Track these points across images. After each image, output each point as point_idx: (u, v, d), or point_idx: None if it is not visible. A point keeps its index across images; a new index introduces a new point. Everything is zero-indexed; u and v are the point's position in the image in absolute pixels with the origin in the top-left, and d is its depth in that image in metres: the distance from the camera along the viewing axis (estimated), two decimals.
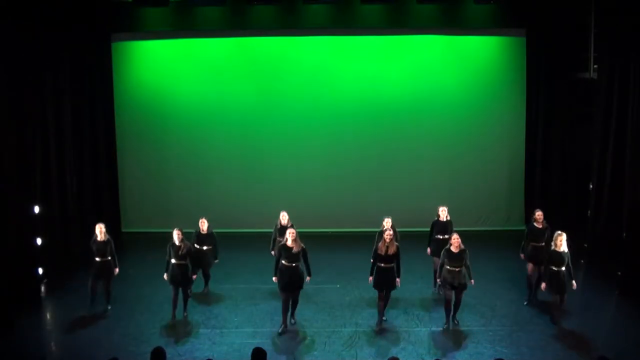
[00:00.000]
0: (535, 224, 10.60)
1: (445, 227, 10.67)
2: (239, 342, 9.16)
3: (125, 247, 13.88)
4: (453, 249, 9.48)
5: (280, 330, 9.61)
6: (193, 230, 10.98)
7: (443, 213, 10.82)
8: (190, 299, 10.40)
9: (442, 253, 9.68)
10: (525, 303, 10.62)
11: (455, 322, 9.82)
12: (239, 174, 15.20)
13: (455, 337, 9.36)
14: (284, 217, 11.02)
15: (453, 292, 9.56)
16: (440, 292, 10.55)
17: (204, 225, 10.95)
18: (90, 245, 10.25)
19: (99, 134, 14.50)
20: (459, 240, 9.48)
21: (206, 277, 11.25)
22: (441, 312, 10.12)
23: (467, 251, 9.54)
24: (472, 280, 9.68)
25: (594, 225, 13.09)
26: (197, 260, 10.44)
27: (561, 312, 9.73)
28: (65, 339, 9.48)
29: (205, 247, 10.91)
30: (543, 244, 10.33)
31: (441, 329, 9.63)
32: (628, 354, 8.73)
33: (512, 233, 14.06)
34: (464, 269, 9.49)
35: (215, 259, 11.16)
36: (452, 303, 9.64)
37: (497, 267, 11.98)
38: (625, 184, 11.62)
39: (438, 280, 9.81)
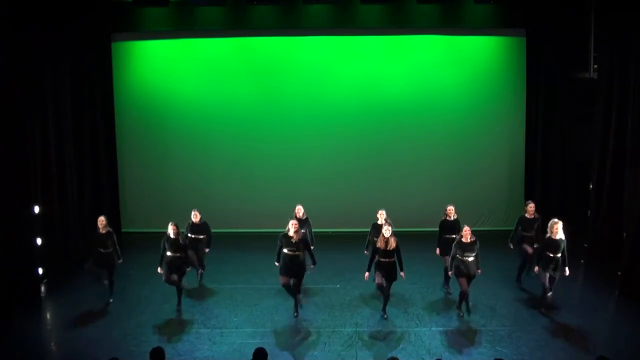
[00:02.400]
0: (526, 215, 10.88)
1: (453, 227, 10.67)
2: (239, 342, 9.16)
3: (124, 247, 13.83)
4: (464, 239, 9.57)
5: (295, 306, 10.06)
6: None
7: (450, 212, 10.83)
8: (190, 298, 10.39)
9: (453, 245, 9.77)
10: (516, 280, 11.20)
11: (468, 315, 9.84)
12: (239, 173, 15.20)
13: (455, 337, 9.35)
14: (299, 211, 11.08)
15: (466, 280, 9.68)
16: (450, 292, 10.76)
17: (196, 217, 11.17)
18: (93, 238, 10.41)
19: (99, 134, 14.52)
20: (470, 231, 9.58)
21: (201, 266, 11.34)
22: (441, 313, 10.18)
23: (477, 242, 9.65)
24: (479, 270, 9.77)
25: (594, 225, 13.10)
26: (193, 248, 10.69)
27: (549, 300, 9.82)
28: (65, 338, 9.47)
29: (201, 236, 11.13)
30: (533, 233, 10.74)
31: (441, 329, 9.62)
32: (628, 354, 8.73)
33: None
34: (474, 260, 9.58)
35: (207, 247, 11.32)
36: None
37: (497, 267, 11.96)
38: (625, 184, 11.63)
39: (450, 273, 9.83)
